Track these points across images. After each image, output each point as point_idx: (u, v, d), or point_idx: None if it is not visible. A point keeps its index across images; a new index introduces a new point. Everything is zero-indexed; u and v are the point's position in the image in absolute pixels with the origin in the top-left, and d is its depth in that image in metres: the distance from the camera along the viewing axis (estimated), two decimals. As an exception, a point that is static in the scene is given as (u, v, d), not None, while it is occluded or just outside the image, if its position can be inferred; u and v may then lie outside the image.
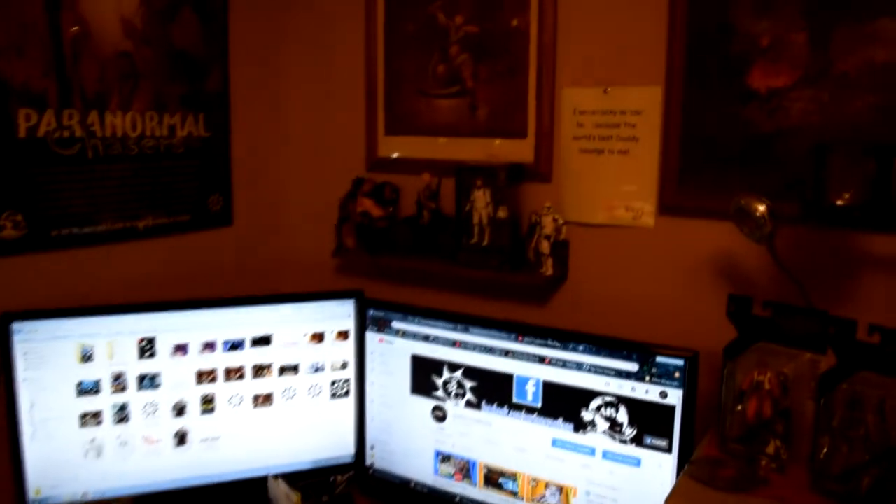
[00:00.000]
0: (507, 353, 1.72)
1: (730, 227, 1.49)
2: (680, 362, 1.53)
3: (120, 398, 1.73)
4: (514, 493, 1.75)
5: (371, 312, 1.89)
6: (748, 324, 1.44)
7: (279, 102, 2.30)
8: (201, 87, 2.05)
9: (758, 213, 1.41)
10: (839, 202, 1.33)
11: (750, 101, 1.61)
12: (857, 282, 1.54)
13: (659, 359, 1.55)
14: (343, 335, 1.90)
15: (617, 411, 1.61)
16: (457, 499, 1.83)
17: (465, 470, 1.81)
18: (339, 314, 1.90)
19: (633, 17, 1.73)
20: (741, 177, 1.63)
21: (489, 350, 1.74)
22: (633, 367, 1.58)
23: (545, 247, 1.81)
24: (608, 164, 1.80)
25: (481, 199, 1.87)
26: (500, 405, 1.74)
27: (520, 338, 1.70)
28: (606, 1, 1.76)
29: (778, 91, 1.59)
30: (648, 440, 1.57)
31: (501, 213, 1.84)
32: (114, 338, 1.71)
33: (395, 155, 2.11)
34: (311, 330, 1.87)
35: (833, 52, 1.52)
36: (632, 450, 1.59)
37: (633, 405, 1.59)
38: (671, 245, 1.74)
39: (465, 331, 1.77)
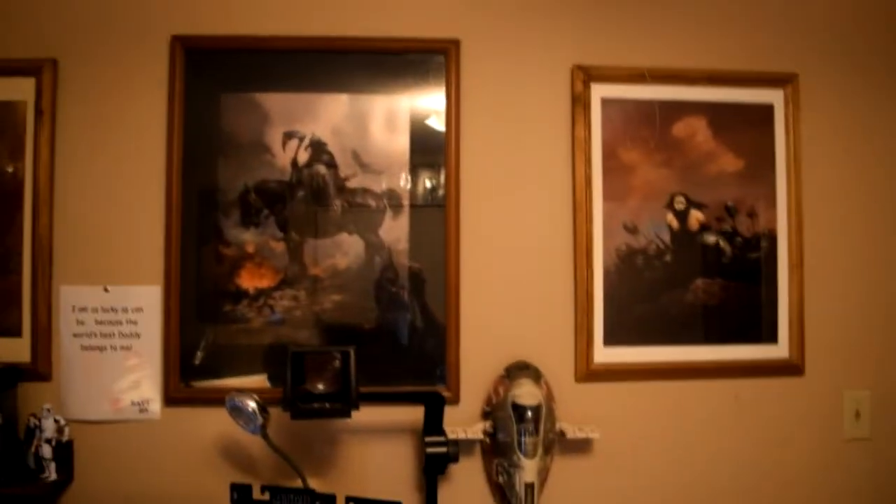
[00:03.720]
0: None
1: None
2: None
3: None
4: None
5: None
6: (249, 509, 1.59)
7: None
8: None
9: (250, 409, 1.60)
10: (315, 392, 1.58)
11: (242, 299, 1.83)
12: (337, 454, 1.82)
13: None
14: None
15: None
16: None
17: None
18: None
19: (132, 221, 1.83)
20: (238, 364, 1.82)
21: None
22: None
23: (47, 451, 1.73)
24: (112, 360, 1.83)
25: (-31, 406, 1.72)
26: None
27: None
28: (101, 204, 1.83)
29: (264, 291, 1.83)
30: None
31: (-7, 421, 1.72)
32: None
33: None
34: None
35: (306, 259, 1.83)
36: None
37: None
38: (179, 435, 1.82)
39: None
